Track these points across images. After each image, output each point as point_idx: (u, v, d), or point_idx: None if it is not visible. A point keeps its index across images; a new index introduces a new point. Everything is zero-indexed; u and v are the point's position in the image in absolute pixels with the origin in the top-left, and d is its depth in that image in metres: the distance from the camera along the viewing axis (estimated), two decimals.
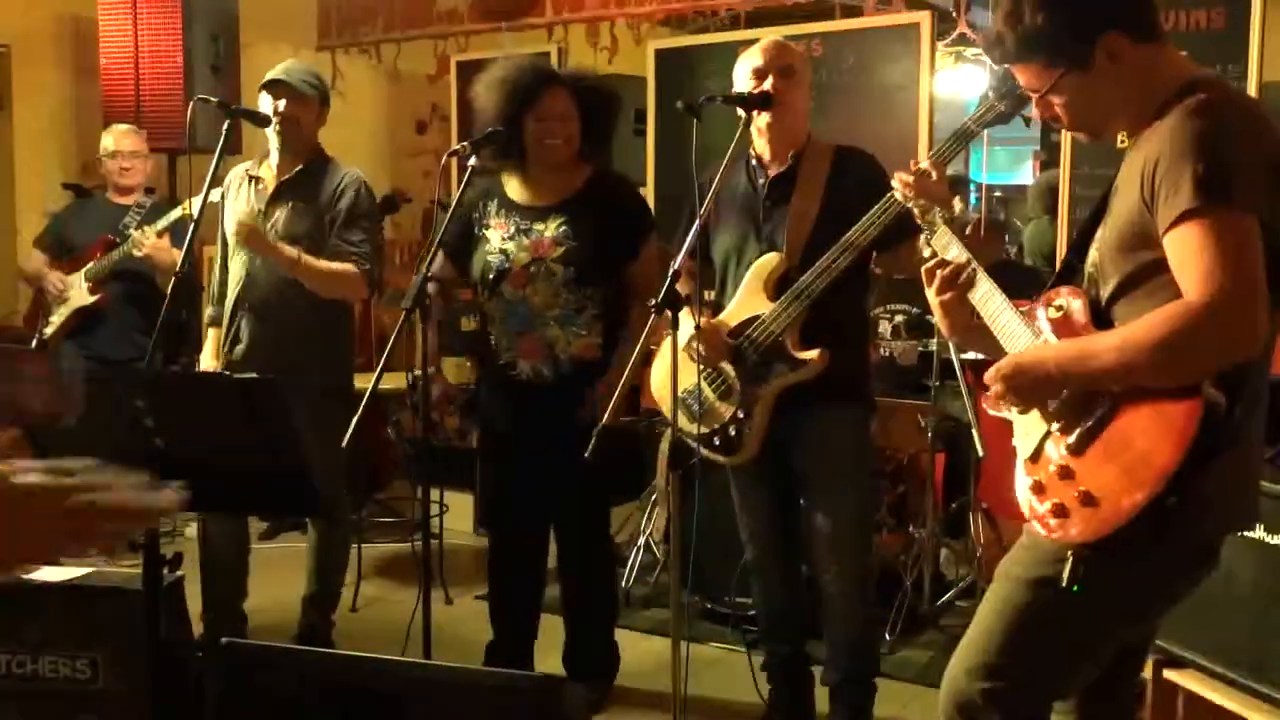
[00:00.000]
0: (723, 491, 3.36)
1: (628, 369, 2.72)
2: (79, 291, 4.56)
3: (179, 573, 2.57)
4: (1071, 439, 1.85)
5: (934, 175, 2.57)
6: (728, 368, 3.07)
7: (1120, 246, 1.88)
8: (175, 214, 4.30)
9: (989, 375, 1.96)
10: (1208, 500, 1.77)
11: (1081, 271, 2.01)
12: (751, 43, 3.10)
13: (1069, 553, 1.83)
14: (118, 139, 4.72)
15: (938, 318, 2.18)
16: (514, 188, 3.45)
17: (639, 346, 2.74)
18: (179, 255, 4.28)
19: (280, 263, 3.55)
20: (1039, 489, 1.90)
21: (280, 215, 3.64)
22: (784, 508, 3.25)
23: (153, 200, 4.77)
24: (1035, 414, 1.94)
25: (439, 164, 3.42)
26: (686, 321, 2.90)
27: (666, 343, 3.08)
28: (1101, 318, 1.92)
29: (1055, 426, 1.89)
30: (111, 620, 2.65)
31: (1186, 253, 1.73)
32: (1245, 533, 2.74)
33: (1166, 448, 1.71)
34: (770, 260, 3.03)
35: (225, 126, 3.46)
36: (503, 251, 3.37)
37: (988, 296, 2.08)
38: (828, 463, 3.12)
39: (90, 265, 4.54)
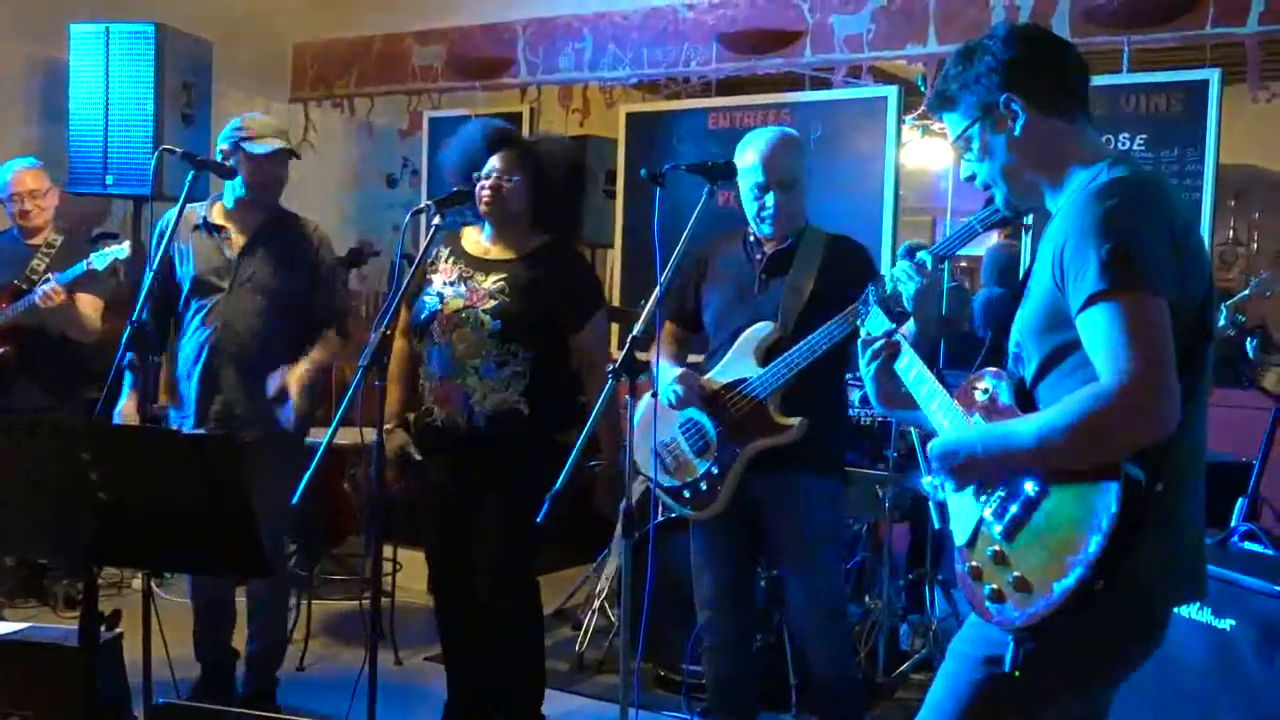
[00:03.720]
0: (681, 558, 3.34)
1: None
2: None
3: (117, 629, 2.52)
4: (1001, 525, 1.86)
5: (930, 267, 2.61)
6: (707, 424, 3.11)
7: (1039, 327, 1.91)
8: (79, 268, 3.93)
9: (930, 448, 1.98)
10: (1139, 580, 1.77)
11: (1006, 351, 2.03)
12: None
13: (1010, 636, 1.83)
14: (15, 179, 4.35)
15: (868, 388, 2.24)
16: (469, 240, 3.48)
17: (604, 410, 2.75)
18: (91, 309, 4.12)
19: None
20: (976, 574, 1.90)
21: (254, 269, 3.60)
22: (742, 578, 3.23)
23: (63, 240, 4.37)
24: (969, 499, 1.95)
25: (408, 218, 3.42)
26: (669, 372, 3.08)
27: (644, 400, 3.16)
28: (1027, 398, 1.94)
29: (987, 512, 1.90)
30: (47, 676, 2.60)
31: (1095, 335, 1.75)
32: (1193, 616, 2.76)
33: (1088, 532, 1.72)
34: (764, 328, 3.10)
35: (190, 178, 3.43)
36: (439, 294, 3.39)
37: (910, 365, 2.14)
38: (800, 532, 3.12)
39: None
